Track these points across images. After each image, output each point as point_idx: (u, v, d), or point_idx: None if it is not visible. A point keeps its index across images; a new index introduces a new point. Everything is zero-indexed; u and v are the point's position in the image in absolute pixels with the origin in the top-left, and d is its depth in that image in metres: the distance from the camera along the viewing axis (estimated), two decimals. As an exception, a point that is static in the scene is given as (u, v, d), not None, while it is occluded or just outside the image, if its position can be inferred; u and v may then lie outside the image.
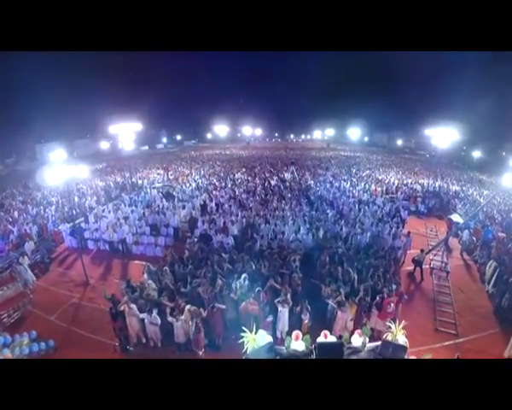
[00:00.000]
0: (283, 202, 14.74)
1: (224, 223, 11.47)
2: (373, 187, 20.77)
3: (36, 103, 38.33)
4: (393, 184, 22.68)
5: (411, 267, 10.74)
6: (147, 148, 63.63)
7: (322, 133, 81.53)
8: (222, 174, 25.14)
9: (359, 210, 14.50)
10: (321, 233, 11.05)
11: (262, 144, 66.37)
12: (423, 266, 10.52)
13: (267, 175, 23.88)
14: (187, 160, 38.23)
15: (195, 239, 10.76)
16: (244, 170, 27.21)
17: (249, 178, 22.50)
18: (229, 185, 19.11)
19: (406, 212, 16.09)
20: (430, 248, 11.86)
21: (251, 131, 74.57)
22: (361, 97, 59.72)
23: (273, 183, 20.58)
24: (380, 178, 25.36)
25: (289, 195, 16.07)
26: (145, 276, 8.13)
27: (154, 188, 20.60)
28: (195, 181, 21.47)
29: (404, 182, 24.25)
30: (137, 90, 49.07)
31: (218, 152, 47.36)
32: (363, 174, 27.03)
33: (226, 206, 14.11)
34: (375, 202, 16.28)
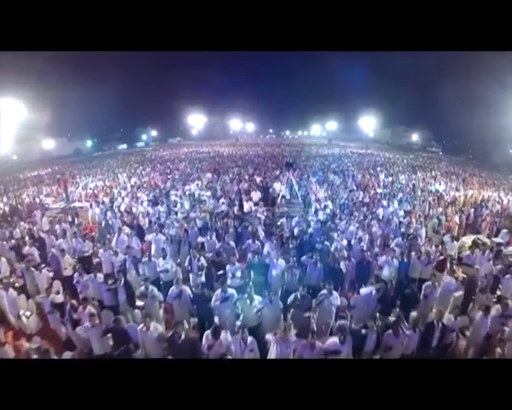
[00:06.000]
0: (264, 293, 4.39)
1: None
2: (441, 214, 10.67)
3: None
4: (463, 202, 12.46)
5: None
6: (125, 146, 55.35)
7: (321, 128, 72.86)
8: (168, 184, 14.76)
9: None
10: None
11: (253, 141, 55.88)
12: None
13: (243, 188, 13.40)
14: (143, 162, 27.76)
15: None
16: (210, 176, 16.74)
17: (208, 194, 12.10)
18: (156, 216, 8.68)
19: None
20: None
21: (241, 126, 65.55)
22: (363, 90, 53.21)
23: (247, 207, 10.28)
24: (432, 189, 15.24)
25: (285, 246, 5.75)
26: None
27: (49, 216, 10.30)
28: (105, 205, 10.97)
29: (471, 197, 14.29)
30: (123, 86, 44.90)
31: (191, 150, 36.72)
32: (401, 181, 16.94)
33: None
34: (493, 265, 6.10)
